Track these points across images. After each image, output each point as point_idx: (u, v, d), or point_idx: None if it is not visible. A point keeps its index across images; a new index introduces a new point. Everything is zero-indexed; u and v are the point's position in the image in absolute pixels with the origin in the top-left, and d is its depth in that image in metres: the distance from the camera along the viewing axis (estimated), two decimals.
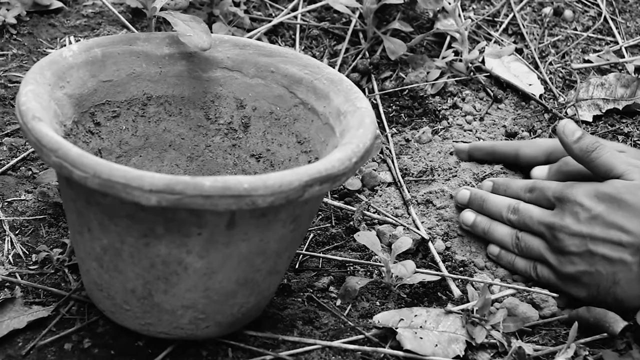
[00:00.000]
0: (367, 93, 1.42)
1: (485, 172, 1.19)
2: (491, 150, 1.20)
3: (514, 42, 1.51)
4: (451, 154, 1.25)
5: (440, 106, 1.38)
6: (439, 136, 1.31)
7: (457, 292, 1.07)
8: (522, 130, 1.32)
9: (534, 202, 1.07)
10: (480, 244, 1.13)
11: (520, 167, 1.19)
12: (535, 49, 1.49)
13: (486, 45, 1.47)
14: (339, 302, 1.05)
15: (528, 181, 1.10)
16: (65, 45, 1.41)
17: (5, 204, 1.15)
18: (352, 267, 1.11)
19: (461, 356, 0.97)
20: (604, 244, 0.98)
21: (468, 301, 1.04)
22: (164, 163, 1.09)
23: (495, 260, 1.10)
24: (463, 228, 1.14)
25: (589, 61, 1.48)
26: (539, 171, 1.13)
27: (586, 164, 1.03)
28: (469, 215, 1.13)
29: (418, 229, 1.14)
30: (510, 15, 1.54)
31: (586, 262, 0.99)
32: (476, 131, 1.32)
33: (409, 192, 1.21)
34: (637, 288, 0.96)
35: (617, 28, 1.54)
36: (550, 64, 1.47)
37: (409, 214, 1.17)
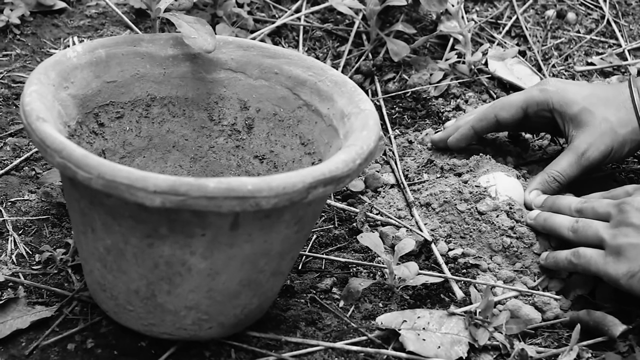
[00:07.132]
0: (370, 95, 1.43)
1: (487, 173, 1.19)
2: (471, 132, 1.23)
3: (517, 45, 1.51)
4: (429, 149, 1.27)
5: (443, 108, 1.38)
6: None
7: (460, 294, 1.07)
8: (525, 132, 1.32)
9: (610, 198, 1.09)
10: (483, 246, 1.13)
11: (501, 130, 1.25)
12: (538, 52, 1.50)
13: (489, 47, 1.47)
14: (341, 304, 1.05)
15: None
16: (69, 46, 1.41)
17: (9, 204, 1.15)
18: (355, 269, 1.11)
19: (464, 358, 0.97)
20: None
21: (471, 303, 1.04)
22: (168, 164, 1.09)
23: (543, 264, 1.10)
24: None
25: (592, 64, 1.48)
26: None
27: None
28: (533, 211, 1.14)
29: (421, 230, 1.14)
30: (514, 18, 1.54)
31: None
32: None
33: (411, 193, 1.21)
34: None
35: (620, 31, 1.54)
36: (553, 66, 1.47)
37: (412, 215, 1.17)
